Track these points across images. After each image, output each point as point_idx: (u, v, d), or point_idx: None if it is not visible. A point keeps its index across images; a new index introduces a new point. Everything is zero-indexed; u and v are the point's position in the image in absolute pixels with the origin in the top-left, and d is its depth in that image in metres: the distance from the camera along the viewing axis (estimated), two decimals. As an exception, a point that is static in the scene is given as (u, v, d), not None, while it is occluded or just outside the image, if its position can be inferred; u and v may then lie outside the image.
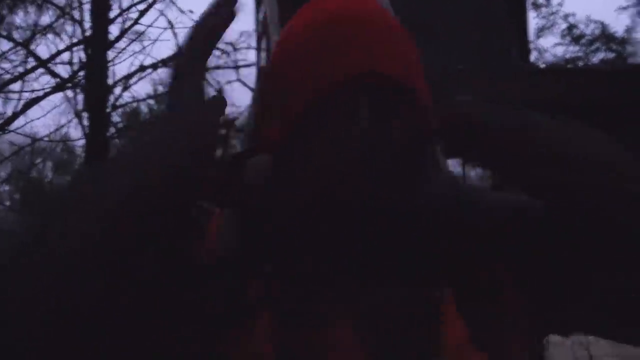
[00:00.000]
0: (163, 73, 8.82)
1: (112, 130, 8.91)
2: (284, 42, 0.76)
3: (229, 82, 11.46)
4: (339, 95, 0.69)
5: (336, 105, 0.69)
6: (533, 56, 9.17)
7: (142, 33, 8.27)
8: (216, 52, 9.48)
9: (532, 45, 8.66)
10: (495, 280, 0.73)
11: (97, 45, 7.93)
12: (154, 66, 8.50)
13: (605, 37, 7.71)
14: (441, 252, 0.74)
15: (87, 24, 8.26)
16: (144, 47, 8.53)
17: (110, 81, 8.30)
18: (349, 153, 0.68)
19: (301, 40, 0.73)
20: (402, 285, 0.71)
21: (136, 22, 8.25)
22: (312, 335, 0.68)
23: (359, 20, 0.73)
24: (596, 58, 7.78)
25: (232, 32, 5.20)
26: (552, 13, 8.64)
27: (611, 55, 7.66)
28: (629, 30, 7.70)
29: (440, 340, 0.68)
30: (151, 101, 10.38)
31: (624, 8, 7.80)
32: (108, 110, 8.31)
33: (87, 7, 8.29)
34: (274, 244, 0.73)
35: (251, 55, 10.57)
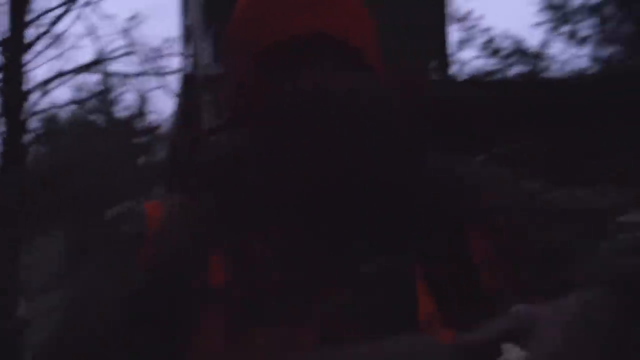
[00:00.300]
0: (83, 79, 8.63)
1: (30, 136, 8.65)
2: (235, 10, 0.78)
3: (152, 89, 11.32)
4: (283, 54, 0.71)
5: (280, 63, 0.71)
6: (454, 68, 9.50)
7: (59, 37, 8.04)
8: (139, 59, 9.37)
9: (452, 58, 8.95)
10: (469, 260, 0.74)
11: (14, 49, 7.67)
12: (74, 71, 8.28)
13: (521, 51, 8.06)
14: (406, 222, 0.74)
15: (3, 27, 7.97)
16: (63, 52, 8.30)
17: (28, 86, 8.04)
18: (304, 105, 0.69)
19: (247, 4, 0.76)
20: (375, 257, 0.71)
21: (53, 25, 8.01)
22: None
23: None
24: (513, 71, 8.13)
25: (156, 38, 5.16)
26: (472, 27, 8.98)
27: (526, 68, 8.03)
28: (542, 45, 8.10)
29: (415, 314, 0.69)
30: (71, 107, 10.10)
31: (539, 24, 8.18)
32: (25, 116, 8.04)
33: (3, 9, 8.00)
34: (242, 219, 0.72)
35: (175, 62, 10.45)
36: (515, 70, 8.07)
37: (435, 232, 0.75)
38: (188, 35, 6.29)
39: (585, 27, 7.73)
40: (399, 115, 0.75)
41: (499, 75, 8.35)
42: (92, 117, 12.91)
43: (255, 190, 0.73)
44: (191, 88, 4.59)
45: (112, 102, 11.99)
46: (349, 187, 0.70)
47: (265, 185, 0.72)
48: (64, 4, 8.14)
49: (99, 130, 11.67)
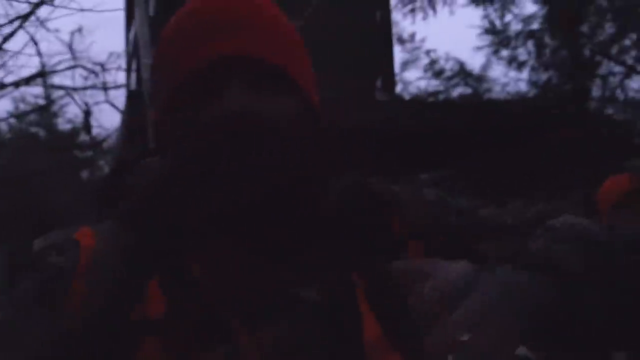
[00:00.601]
0: (25, 91, 8.44)
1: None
2: (164, 30, 0.77)
3: (97, 103, 11.17)
4: (210, 75, 0.70)
5: (206, 85, 0.70)
6: (398, 88, 9.66)
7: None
8: (85, 73, 9.21)
9: (397, 78, 9.11)
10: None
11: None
12: (16, 84, 8.10)
13: (463, 73, 8.27)
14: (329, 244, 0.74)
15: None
16: (4, 64, 8.10)
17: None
18: (217, 129, 0.67)
19: (176, 25, 0.75)
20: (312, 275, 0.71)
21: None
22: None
23: (231, 3, 0.74)
24: (455, 92, 8.33)
25: (101, 53, 5.10)
26: (416, 48, 9.16)
27: (468, 90, 8.24)
28: (483, 68, 8.33)
29: (360, 338, 0.69)
30: (12, 120, 9.86)
31: (480, 48, 8.41)
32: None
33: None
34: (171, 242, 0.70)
35: (120, 77, 10.33)
36: (458, 91, 8.29)
37: (372, 252, 0.76)
38: (134, 51, 6.25)
39: (524, 52, 8.02)
40: (309, 137, 0.75)
41: (442, 96, 8.57)
42: (33, 130, 12.66)
43: (184, 214, 0.71)
44: (136, 104, 4.56)
45: (55, 115, 11.78)
46: (269, 209, 0.70)
47: (192, 209, 0.70)
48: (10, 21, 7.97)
49: (40, 144, 11.41)
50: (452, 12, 11.73)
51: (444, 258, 0.71)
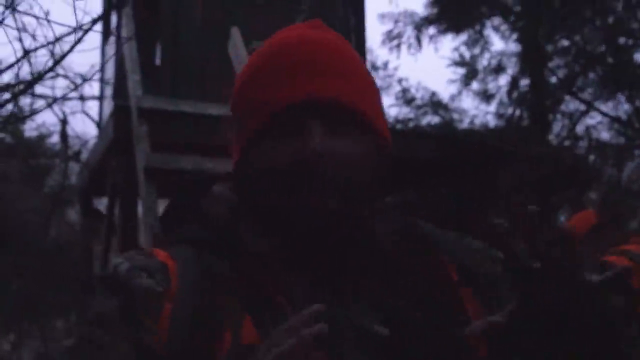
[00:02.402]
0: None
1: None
2: (245, 68, 0.80)
3: (73, 113, 11.05)
4: (289, 116, 0.73)
5: (287, 126, 0.73)
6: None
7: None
8: (65, 83, 9.08)
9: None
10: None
11: None
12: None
13: (433, 103, 8.49)
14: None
15: None
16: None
17: None
18: (299, 167, 0.71)
19: (257, 65, 0.77)
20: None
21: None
22: None
23: (313, 44, 0.76)
24: (425, 121, 8.53)
25: (82, 64, 5.14)
26: (389, 75, 9.35)
27: (437, 119, 8.47)
28: (453, 98, 8.58)
29: None
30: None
31: (453, 81, 8.64)
32: None
33: None
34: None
35: (96, 88, 10.27)
36: (428, 119, 8.51)
37: (434, 290, 0.77)
38: (118, 65, 6.31)
39: (493, 86, 8.30)
40: (378, 176, 0.77)
41: (412, 124, 8.77)
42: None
43: (263, 244, 0.74)
44: (122, 119, 4.64)
45: (24, 121, 11.58)
46: (339, 243, 0.73)
47: (270, 240, 0.74)
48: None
49: (4, 150, 11.24)
50: (437, 49, 11.85)
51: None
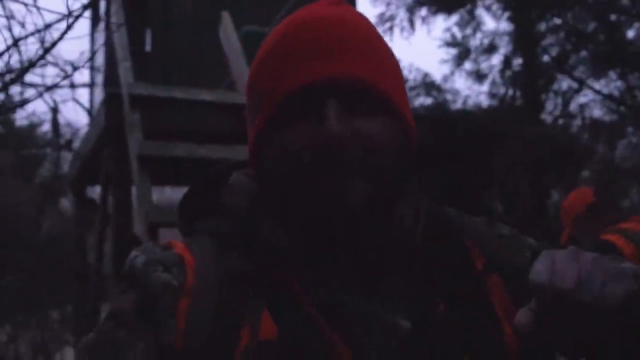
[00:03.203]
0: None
1: None
2: (260, 50, 0.75)
3: (64, 101, 10.99)
4: (309, 97, 0.69)
5: (303, 108, 0.69)
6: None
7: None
8: (55, 71, 9.01)
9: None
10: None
11: None
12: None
13: (426, 84, 8.47)
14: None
15: None
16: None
17: None
18: (318, 152, 0.67)
19: (273, 46, 0.73)
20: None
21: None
22: None
23: (330, 22, 0.71)
24: (418, 102, 8.50)
25: (72, 51, 5.09)
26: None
27: (430, 100, 8.45)
28: (445, 79, 8.56)
29: None
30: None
31: (445, 61, 8.61)
32: None
33: None
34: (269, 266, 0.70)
35: (86, 75, 10.20)
36: (421, 101, 8.48)
37: (460, 282, 0.74)
38: (108, 52, 6.26)
39: (485, 65, 8.28)
40: (403, 158, 0.73)
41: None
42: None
43: (284, 236, 0.71)
44: (114, 106, 4.60)
45: (15, 111, 11.51)
46: (360, 233, 0.69)
47: (292, 230, 0.71)
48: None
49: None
50: (429, 31, 11.95)
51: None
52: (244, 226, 0.74)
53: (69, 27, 2.46)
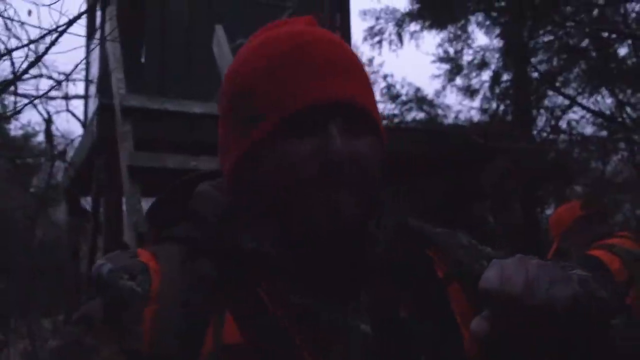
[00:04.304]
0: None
1: None
2: (246, 62, 0.77)
3: (58, 112, 11.02)
4: (311, 116, 0.72)
5: (307, 125, 0.72)
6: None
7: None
8: (49, 82, 9.03)
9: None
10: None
11: None
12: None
13: (418, 99, 8.54)
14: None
15: None
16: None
17: None
18: (323, 167, 0.70)
19: (271, 62, 0.74)
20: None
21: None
22: None
23: (323, 43, 0.75)
24: (409, 116, 8.58)
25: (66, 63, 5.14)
26: (374, 72, 9.39)
27: (422, 115, 8.52)
28: (437, 94, 8.63)
29: None
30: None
31: (437, 76, 8.69)
32: None
33: None
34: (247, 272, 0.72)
35: (81, 87, 10.22)
36: (413, 115, 8.55)
37: (421, 290, 0.77)
38: (101, 64, 6.30)
39: (477, 81, 8.35)
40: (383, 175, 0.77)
41: (396, 120, 8.82)
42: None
43: (255, 246, 0.73)
44: (106, 117, 4.64)
45: (9, 121, 11.52)
46: (342, 244, 0.72)
47: (265, 240, 0.73)
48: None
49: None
50: (417, 46, 12.16)
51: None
52: (213, 233, 0.76)
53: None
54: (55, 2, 2.39)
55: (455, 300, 0.79)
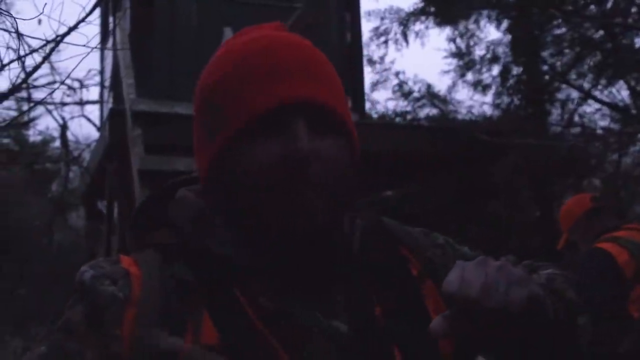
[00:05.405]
0: None
1: None
2: (217, 65, 0.79)
3: (73, 117, 11.13)
4: (276, 117, 0.73)
5: (272, 126, 0.73)
6: (367, 107, 9.84)
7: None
8: (63, 88, 9.08)
9: (366, 97, 9.31)
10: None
11: None
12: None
13: (430, 95, 8.51)
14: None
15: None
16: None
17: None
18: (288, 166, 0.71)
19: (232, 65, 0.76)
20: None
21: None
22: None
23: (290, 46, 0.76)
24: (422, 113, 8.55)
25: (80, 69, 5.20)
26: (385, 69, 9.38)
27: (434, 111, 8.49)
28: (449, 90, 8.60)
29: None
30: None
31: (446, 72, 8.67)
32: None
33: None
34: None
35: (95, 92, 10.32)
36: (425, 112, 8.53)
37: (396, 288, 0.79)
38: (113, 69, 6.36)
39: (487, 76, 8.30)
40: (353, 174, 0.78)
41: (409, 116, 8.80)
42: (4, 142, 12.49)
43: (231, 247, 0.74)
44: (117, 122, 4.68)
45: (26, 127, 11.66)
46: (312, 244, 0.73)
47: (238, 243, 0.74)
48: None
49: (11, 155, 11.31)
50: (423, 44, 12.30)
51: None
52: (189, 238, 0.77)
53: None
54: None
55: (430, 298, 0.80)
